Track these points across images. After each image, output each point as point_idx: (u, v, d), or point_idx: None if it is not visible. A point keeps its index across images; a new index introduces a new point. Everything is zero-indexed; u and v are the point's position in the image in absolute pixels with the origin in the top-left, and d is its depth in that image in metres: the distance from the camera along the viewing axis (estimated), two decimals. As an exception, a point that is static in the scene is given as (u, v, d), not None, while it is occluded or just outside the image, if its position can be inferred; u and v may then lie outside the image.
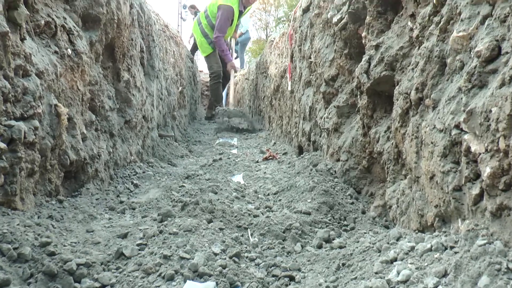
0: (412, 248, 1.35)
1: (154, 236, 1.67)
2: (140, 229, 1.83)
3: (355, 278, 1.36)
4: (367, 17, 2.37)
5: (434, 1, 1.52)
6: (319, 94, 3.34)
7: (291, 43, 4.45)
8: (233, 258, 1.53)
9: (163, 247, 1.54)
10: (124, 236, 1.78)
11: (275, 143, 5.33)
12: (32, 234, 1.55)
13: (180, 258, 1.44)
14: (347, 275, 1.43)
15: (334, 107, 2.92)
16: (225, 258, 1.49)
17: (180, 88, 6.31)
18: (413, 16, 1.97)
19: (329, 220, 2.08)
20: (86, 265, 1.43)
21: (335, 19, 2.79)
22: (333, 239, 1.88)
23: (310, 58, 3.62)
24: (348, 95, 2.78)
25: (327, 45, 3.12)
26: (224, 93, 9.18)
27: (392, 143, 1.98)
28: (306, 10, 3.88)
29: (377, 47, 2.18)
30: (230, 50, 8.74)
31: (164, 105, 4.97)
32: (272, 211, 2.25)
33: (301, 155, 3.59)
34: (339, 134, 2.81)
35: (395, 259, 1.34)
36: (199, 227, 1.69)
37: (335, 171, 2.69)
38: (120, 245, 1.62)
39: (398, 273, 1.24)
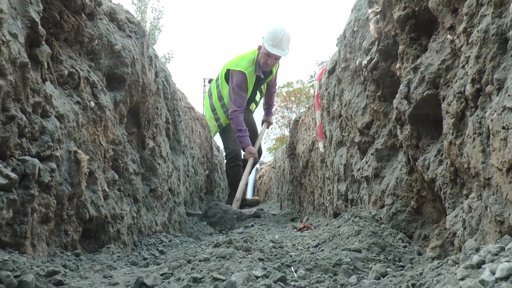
0: (502, 249, 1.08)
1: (181, 266, 1.42)
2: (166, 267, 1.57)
3: (434, 291, 1.07)
4: (400, 46, 2.26)
5: (481, -20, 1.39)
6: (353, 147, 3.15)
7: (318, 103, 4.34)
8: (279, 282, 1.26)
9: (192, 272, 1.29)
10: (147, 276, 1.53)
11: (307, 219, 5.03)
12: (39, 268, 1.32)
13: (214, 279, 1.19)
14: (421, 295, 1.14)
15: (372, 154, 2.72)
16: (269, 282, 1.23)
17: (207, 171, 6.19)
18: (452, 28, 1.84)
19: (383, 259, 1.79)
20: (98, 295, 1.19)
21: (365, 62, 2.69)
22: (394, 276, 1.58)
23: (340, 115, 3.49)
24: (386, 137, 2.58)
25: (358, 93, 2.99)
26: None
27: (447, 163, 1.75)
28: (331, 72, 3.82)
29: (415, 69, 2.03)
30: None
31: (191, 182, 4.82)
32: (315, 257, 1.96)
33: (339, 216, 3.31)
34: (380, 179, 2.57)
35: (483, 262, 1.06)
36: (235, 255, 1.43)
37: (380, 218, 2.40)
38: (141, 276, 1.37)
39: (493, 272, 0.96)
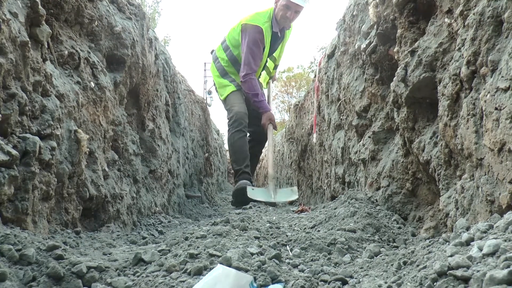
0: (491, 227, 1.11)
1: (178, 243, 1.46)
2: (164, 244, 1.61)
3: (424, 267, 1.10)
4: (398, 30, 2.27)
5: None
6: (351, 131, 3.17)
7: (317, 94, 4.36)
8: (273, 259, 1.29)
9: (189, 249, 1.32)
10: (145, 252, 1.57)
11: (306, 202, 5.07)
12: (40, 243, 1.35)
13: (210, 255, 1.22)
14: (412, 272, 1.17)
15: (369, 137, 2.74)
16: (263, 259, 1.26)
17: (206, 154, 6.22)
18: (450, 11, 1.84)
19: (377, 239, 1.82)
20: (98, 269, 1.22)
21: (363, 45, 2.70)
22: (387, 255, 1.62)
23: (338, 99, 3.50)
24: (383, 120, 2.60)
25: (356, 77, 3.01)
26: None
27: (441, 145, 1.77)
28: (331, 56, 3.83)
29: (412, 52, 2.04)
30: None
31: (190, 165, 4.85)
32: (311, 237, 2.00)
33: (336, 199, 3.35)
34: (376, 162, 2.60)
35: (472, 239, 1.09)
36: (231, 233, 1.47)
37: (376, 200, 2.44)
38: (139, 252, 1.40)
39: (480, 249, 0.99)
